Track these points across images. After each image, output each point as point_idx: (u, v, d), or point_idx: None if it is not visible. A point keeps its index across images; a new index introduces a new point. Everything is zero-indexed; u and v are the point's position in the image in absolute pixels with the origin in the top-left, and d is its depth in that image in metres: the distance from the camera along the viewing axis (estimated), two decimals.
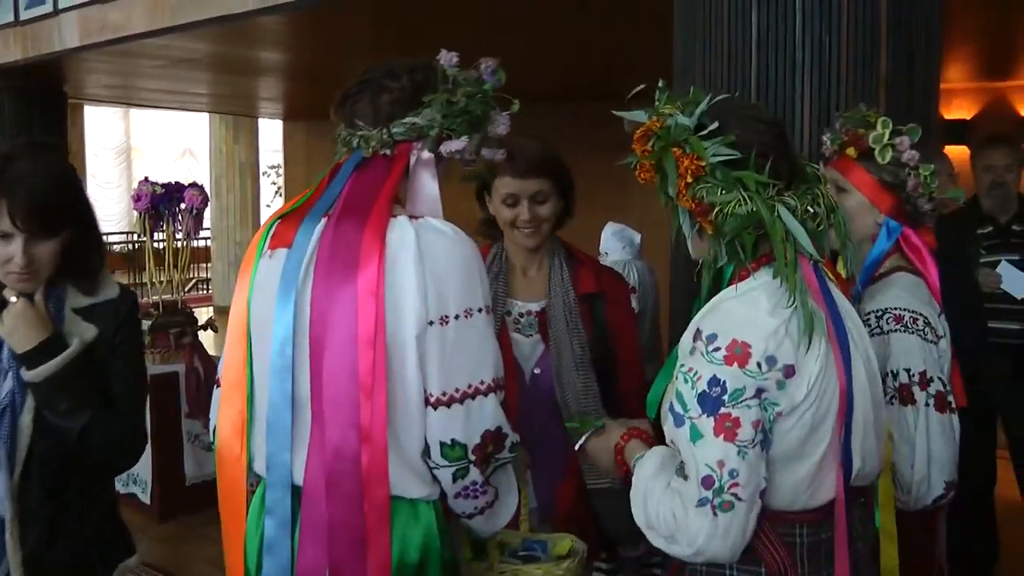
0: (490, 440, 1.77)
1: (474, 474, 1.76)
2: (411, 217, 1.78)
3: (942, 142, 4.95)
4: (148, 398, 5.30)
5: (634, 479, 1.82)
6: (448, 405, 1.72)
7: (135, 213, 5.75)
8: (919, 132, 2.45)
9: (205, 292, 15.30)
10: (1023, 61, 7.35)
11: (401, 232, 1.73)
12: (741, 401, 1.63)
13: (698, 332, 1.70)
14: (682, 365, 1.72)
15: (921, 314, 2.23)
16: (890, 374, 2.18)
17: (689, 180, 1.72)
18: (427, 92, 1.84)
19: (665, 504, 1.69)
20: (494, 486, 1.84)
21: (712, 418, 1.63)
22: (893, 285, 2.34)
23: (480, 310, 1.76)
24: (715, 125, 1.75)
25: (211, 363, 5.72)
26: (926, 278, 2.35)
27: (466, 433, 1.74)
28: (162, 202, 5.66)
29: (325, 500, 1.71)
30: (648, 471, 1.79)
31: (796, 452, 1.68)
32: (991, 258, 4.29)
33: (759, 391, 1.63)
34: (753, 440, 1.63)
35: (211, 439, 1.93)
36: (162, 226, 5.77)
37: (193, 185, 5.80)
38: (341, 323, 1.69)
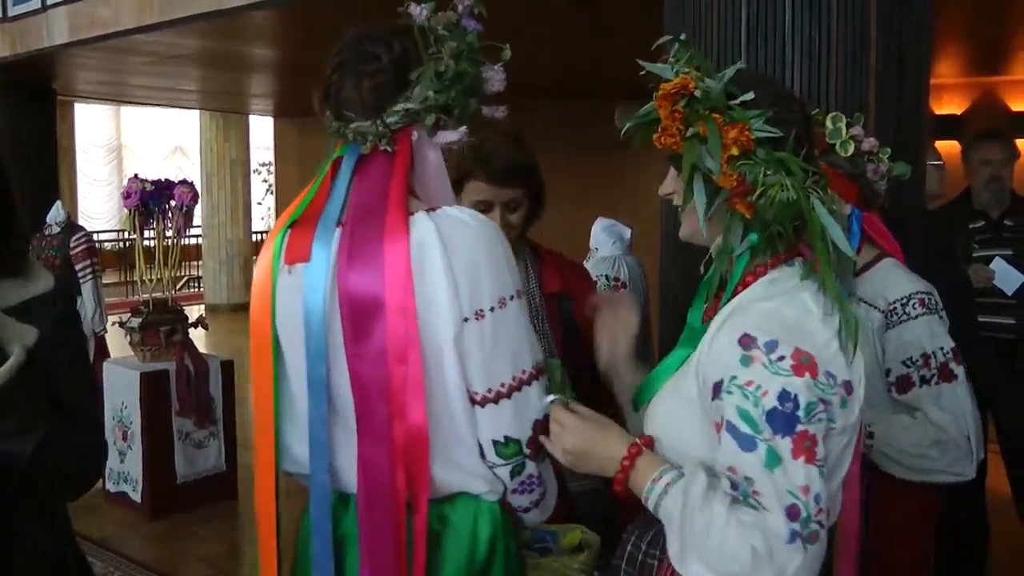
0: (541, 429, 1.68)
1: (531, 467, 1.68)
2: (428, 210, 1.66)
3: (933, 137, 4.96)
4: (144, 397, 5.33)
5: (673, 510, 1.50)
6: (496, 401, 1.63)
7: (125, 211, 5.71)
8: (863, 118, 2.52)
9: (196, 290, 15.23)
10: (1013, 57, 7.36)
11: (421, 230, 1.61)
12: (815, 415, 1.42)
13: (750, 339, 1.46)
14: (734, 378, 1.46)
15: (929, 292, 2.34)
16: (925, 356, 2.29)
17: (735, 153, 1.51)
18: (412, 66, 1.69)
19: (734, 537, 1.39)
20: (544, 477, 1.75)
21: (790, 438, 1.40)
22: (893, 272, 2.41)
23: (512, 297, 1.65)
24: (750, 95, 1.54)
25: (202, 361, 5.72)
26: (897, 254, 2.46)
27: (518, 427, 1.65)
28: (152, 199, 5.62)
29: (367, 517, 1.65)
30: (695, 501, 1.45)
31: (827, 474, 1.47)
32: (983, 253, 4.29)
33: (827, 404, 1.44)
34: (827, 458, 1.44)
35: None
36: (152, 224, 5.73)
37: (183, 182, 5.76)
38: (370, 338, 1.60)
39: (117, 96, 12.01)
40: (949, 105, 8.19)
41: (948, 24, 5.65)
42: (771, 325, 1.48)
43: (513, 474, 1.68)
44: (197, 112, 14.46)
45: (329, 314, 1.64)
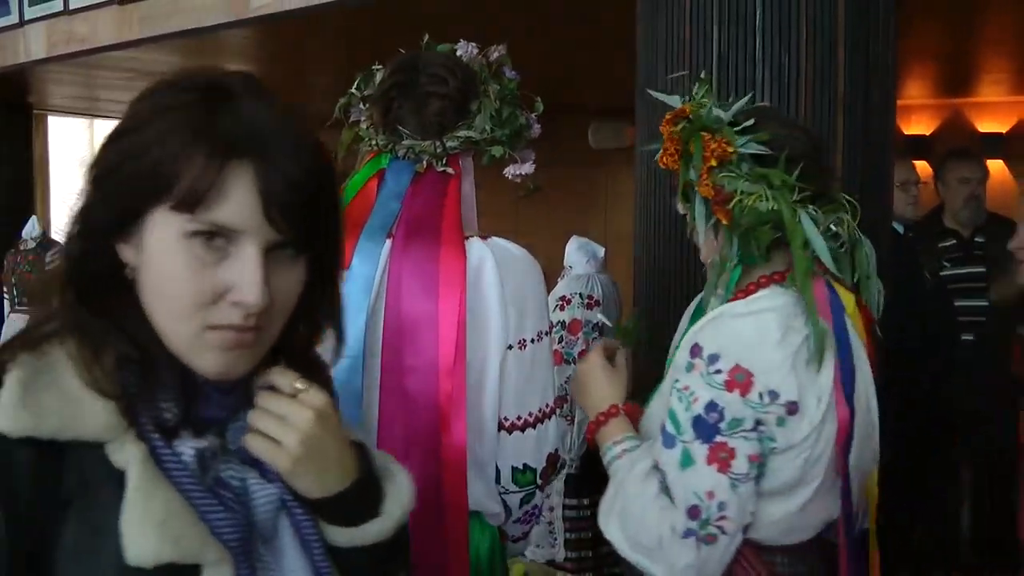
0: (552, 462, 1.74)
1: (538, 498, 1.74)
2: (482, 238, 1.71)
3: (902, 157, 5.01)
4: None
5: (618, 473, 1.65)
6: (523, 430, 1.69)
7: None
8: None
9: None
10: (979, 79, 7.47)
11: (479, 254, 1.67)
12: (739, 432, 1.51)
13: (698, 348, 1.56)
14: (677, 381, 1.58)
15: None
16: None
17: (713, 164, 1.62)
18: (473, 97, 1.78)
19: (653, 516, 1.55)
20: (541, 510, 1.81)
21: (707, 446, 1.51)
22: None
23: (547, 333, 1.73)
24: (750, 122, 1.65)
25: None
26: None
27: (536, 457, 1.70)
28: None
29: (415, 529, 1.61)
30: (638, 474, 1.60)
31: (783, 491, 1.57)
32: (954, 271, 4.32)
33: (759, 423, 1.52)
34: (748, 474, 1.51)
35: None
36: None
37: None
38: (420, 351, 1.63)
39: (92, 111, 11.93)
40: (918, 125, 8.30)
41: (916, 46, 5.74)
42: (722, 339, 1.55)
43: (523, 502, 1.73)
44: None
45: (372, 325, 1.65)
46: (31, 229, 6.06)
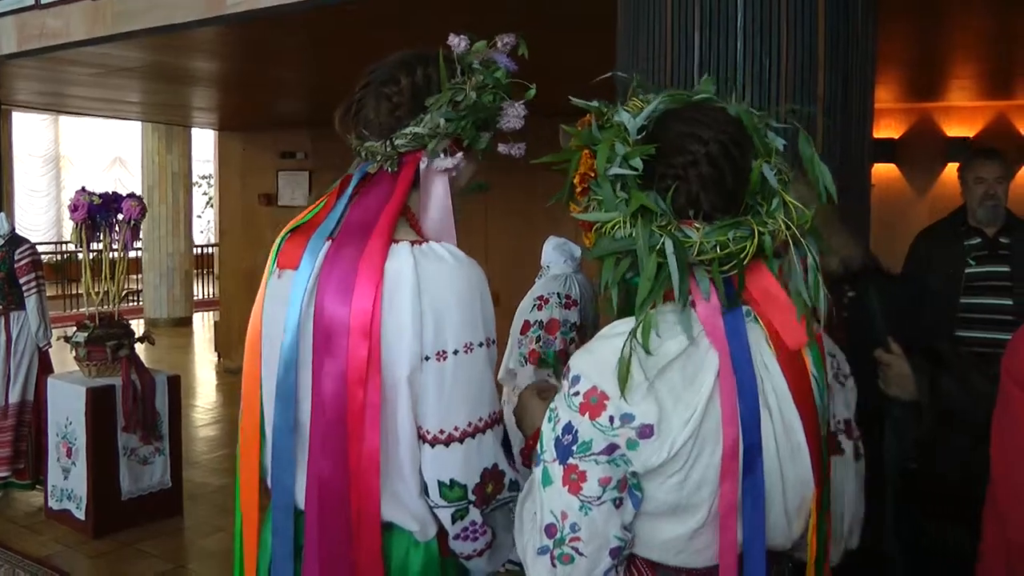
0: (489, 479, 1.69)
1: (474, 514, 1.69)
2: (413, 243, 1.67)
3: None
4: (90, 413, 5.26)
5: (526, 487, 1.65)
6: (446, 444, 1.64)
7: (69, 223, 5.64)
8: None
9: (136, 304, 15.00)
10: (948, 84, 7.56)
11: (399, 261, 1.63)
12: (589, 455, 1.47)
13: (568, 369, 1.54)
14: (552, 401, 1.57)
15: (832, 354, 2.06)
16: None
17: (579, 189, 1.58)
18: (431, 92, 1.73)
19: (526, 533, 1.58)
20: (491, 527, 1.75)
21: (562, 467, 1.49)
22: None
23: (481, 344, 1.66)
24: (646, 132, 1.57)
25: (148, 376, 5.67)
26: None
27: (466, 473, 1.65)
28: (99, 212, 5.58)
29: (318, 529, 1.66)
30: (528, 489, 1.63)
31: (666, 514, 1.52)
32: (979, 269, 4.36)
33: (611, 447, 1.47)
34: (599, 497, 1.47)
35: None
36: (99, 237, 5.67)
37: (131, 196, 5.71)
38: (335, 356, 1.62)
39: (57, 106, 11.80)
40: (886, 129, 8.40)
41: (885, 50, 5.80)
42: (587, 360, 1.52)
43: (455, 518, 1.69)
44: (138, 123, 14.27)
45: (304, 324, 1.67)
46: (0, 226, 5.98)
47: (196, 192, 16.93)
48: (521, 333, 4.36)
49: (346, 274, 1.63)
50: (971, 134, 8.16)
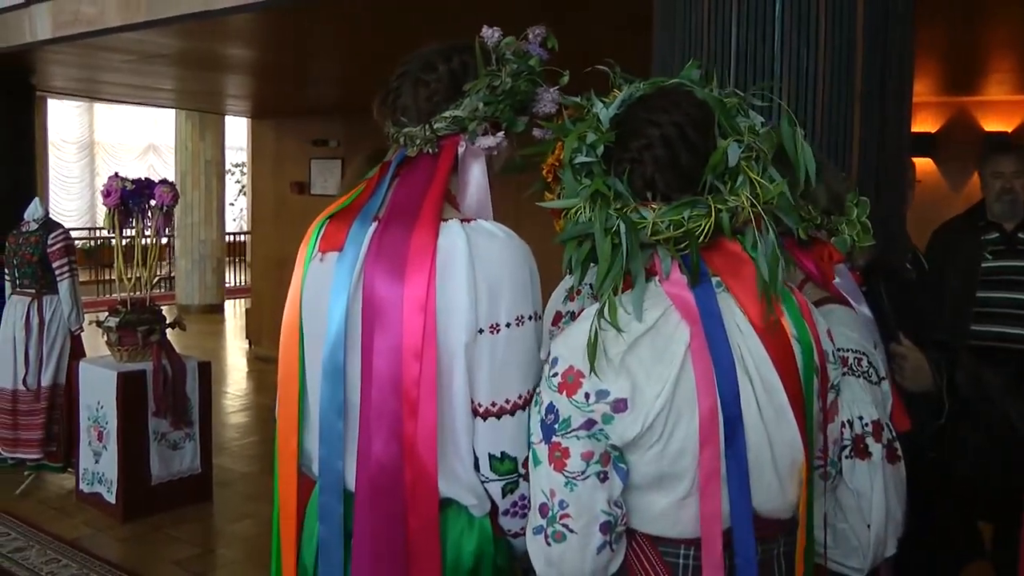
0: None
1: (524, 488, 1.69)
2: (463, 220, 1.70)
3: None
4: (120, 397, 5.29)
5: None
6: (498, 416, 1.66)
7: (103, 209, 5.67)
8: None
9: (168, 290, 15.08)
10: (986, 78, 7.46)
11: (452, 237, 1.66)
12: (570, 432, 1.54)
13: (548, 352, 1.62)
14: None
15: (864, 353, 2.12)
16: (840, 423, 1.93)
17: (549, 178, 1.68)
18: (468, 79, 1.78)
19: (529, 516, 1.66)
20: None
21: (547, 446, 1.56)
22: (827, 321, 2.19)
23: (531, 317, 1.68)
24: (615, 117, 1.65)
25: (179, 361, 5.69)
26: (847, 302, 2.25)
27: (516, 445, 1.67)
28: (132, 198, 5.60)
29: (369, 512, 1.67)
30: None
31: (653, 485, 1.57)
32: (996, 263, 4.32)
33: (589, 422, 1.54)
34: (583, 472, 1.54)
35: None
36: (131, 223, 5.71)
37: (164, 182, 5.72)
38: (387, 333, 1.64)
39: (92, 93, 11.90)
40: (923, 123, 8.30)
41: (923, 43, 5.73)
42: (565, 341, 1.59)
43: (505, 492, 1.70)
44: (172, 111, 14.36)
45: (352, 304, 1.69)
46: (34, 211, 6.02)
47: (229, 180, 16.99)
48: (553, 324, 4.32)
49: (397, 253, 1.66)
50: (1009, 129, 8.05)
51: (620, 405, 1.52)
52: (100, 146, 22.73)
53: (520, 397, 1.67)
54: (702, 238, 1.57)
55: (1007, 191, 4.32)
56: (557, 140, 1.76)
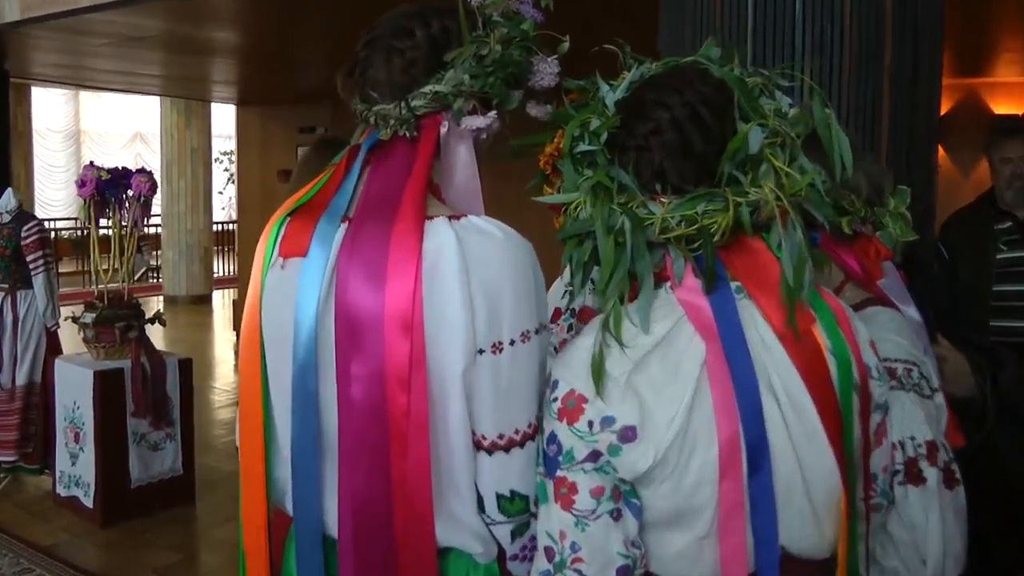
0: None
1: (535, 528, 1.45)
2: (451, 217, 1.44)
3: None
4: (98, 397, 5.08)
5: None
6: (506, 450, 1.41)
7: (80, 199, 5.45)
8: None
9: (155, 281, 14.92)
10: (995, 59, 7.27)
11: (439, 239, 1.39)
12: (575, 465, 1.35)
13: (549, 373, 1.44)
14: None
15: (914, 363, 1.87)
16: (891, 445, 1.69)
17: (547, 170, 1.53)
18: (450, 46, 1.50)
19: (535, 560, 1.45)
20: None
21: (552, 481, 1.38)
22: (870, 328, 1.94)
23: (537, 331, 1.43)
24: (622, 100, 1.48)
25: (159, 358, 5.47)
26: (893, 305, 2.02)
27: (527, 481, 1.43)
28: (108, 188, 5.37)
29: (354, 562, 1.42)
30: None
31: (669, 522, 1.39)
32: (1011, 254, 4.08)
33: (595, 454, 1.35)
34: (594, 511, 1.35)
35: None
36: (108, 213, 5.47)
37: (141, 171, 5.51)
38: (367, 356, 1.38)
39: (75, 80, 11.76)
40: None
41: None
42: (565, 360, 1.41)
43: (515, 535, 1.46)
44: (158, 98, 14.18)
45: (322, 320, 1.42)
46: (6, 202, 5.78)
47: (217, 168, 16.87)
48: (551, 321, 4.11)
49: (374, 258, 1.39)
50: (1020, 111, 7.84)
51: (628, 433, 1.33)
52: (86, 135, 22.73)
53: (530, 425, 1.42)
54: (719, 236, 1.37)
55: (1018, 177, 4.07)
56: (557, 128, 1.53)
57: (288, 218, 1.52)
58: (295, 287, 1.44)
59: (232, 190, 20.03)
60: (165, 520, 5.38)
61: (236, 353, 10.81)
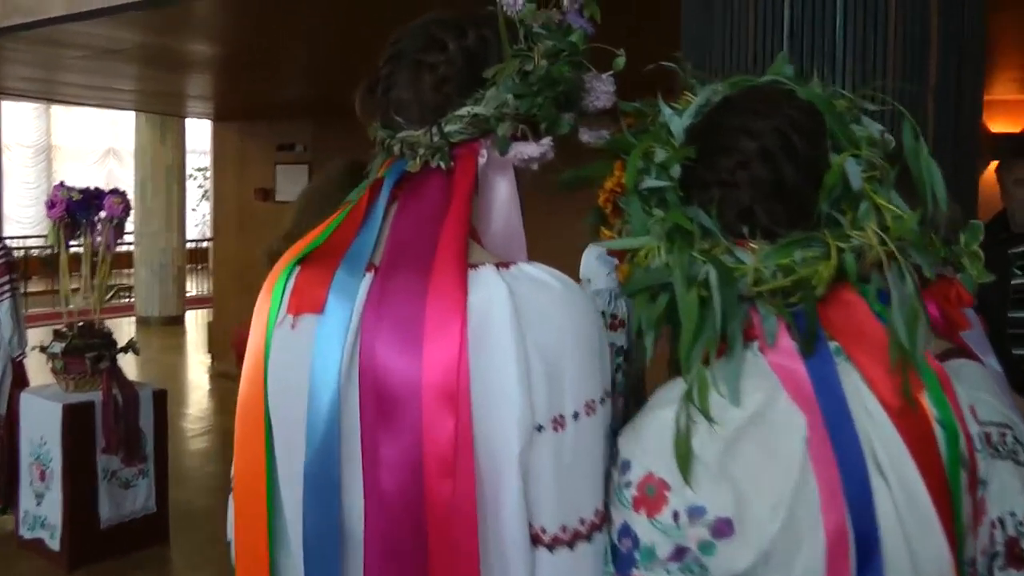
0: None
1: None
2: (498, 265, 1.20)
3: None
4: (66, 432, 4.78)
5: None
6: (571, 545, 1.16)
7: (49, 221, 5.19)
8: None
9: (127, 300, 14.61)
10: (992, 77, 7.20)
11: (488, 291, 1.16)
12: (656, 563, 1.16)
13: (616, 453, 1.24)
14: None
15: (1008, 425, 1.69)
16: (990, 523, 1.49)
17: (607, 209, 1.33)
18: (488, 60, 1.28)
19: None
20: None
21: None
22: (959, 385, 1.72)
23: (603, 400, 1.20)
24: (693, 127, 1.30)
25: (132, 390, 5.20)
26: (976, 356, 1.84)
27: None
28: (79, 210, 5.12)
29: None
30: None
31: None
32: None
33: (680, 551, 1.16)
34: None
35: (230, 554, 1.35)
36: (79, 235, 5.20)
37: (115, 191, 5.25)
38: (400, 436, 1.15)
39: (48, 94, 11.56)
40: None
41: None
42: (635, 439, 1.21)
43: None
44: (132, 114, 13.91)
45: (344, 390, 1.17)
46: None
47: (191, 185, 16.67)
48: None
49: (409, 315, 1.15)
50: (1018, 130, 7.76)
51: (723, 527, 1.13)
52: (58, 150, 22.58)
53: (597, 513, 1.19)
54: (820, 288, 1.20)
55: None
56: (615, 158, 1.34)
57: (298, 266, 1.27)
58: (309, 350, 1.19)
59: (206, 207, 19.90)
60: (137, 562, 5.13)
61: (210, 377, 10.56)
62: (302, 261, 1.27)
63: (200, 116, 12.65)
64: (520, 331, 1.13)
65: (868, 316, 1.22)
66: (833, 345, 1.21)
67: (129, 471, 5.21)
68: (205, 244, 17.49)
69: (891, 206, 1.24)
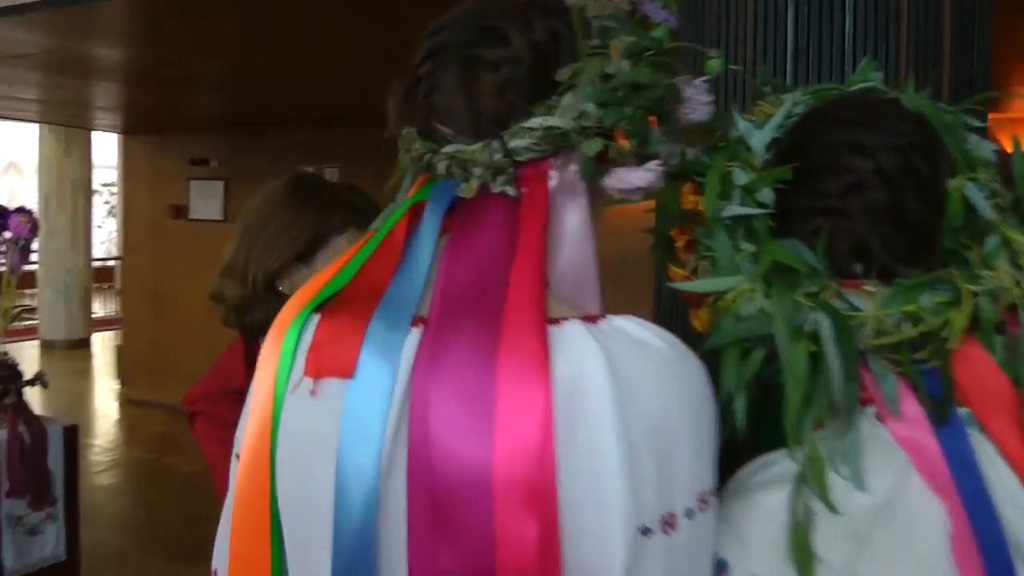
0: None
1: None
2: (586, 319, 0.93)
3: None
4: None
5: None
6: None
7: None
8: None
9: (31, 323, 14.01)
10: (1005, 91, 7.32)
11: (578, 356, 0.89)
12: None
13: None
14: None
15: None
16: None
17: (679, 243, 1.16)
18: (562, 60, 1.00)
19: None
20: None
21: None
22: None
23: (715, 492, 0.98)
24: (779, 149, 1.16)
25: (40, 427, 4.79)
26: None
27: None
28: None
29: None
30: None
31: None
32: None
33: None
34: None
35: None
36: None
37: (20, 210, 4.86)
38: (463, 539, 0.87)
39: None
40: None
41: None
42: (737, 531, 1.01)
43: None
44: (35, 126, 13.36)
45: (385, 482, 0.89)
46: None
47: (97, 201, 16.15)
48: None
49: (474, 385, 0.87)
50: None
51: None
52: None
53: None
54: (952, 342, 1.02)
55: None
56: (686, 179, 1.15)
57: (317, 314, 0.97)
58: (335, 427, 0.91)
59: (112, 224, 19.34)
60: None
61: (119, 405, 10.07)
62: (322, 307, 0.98)
63: (108, 129, 12.24)
64: (622, 408, 0.87)
65: (998, 375, 1.04)
66: (963, 412, 1.03)
67: (36, 516, 4.80)
68: (111, 263, 17.02)
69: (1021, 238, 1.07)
